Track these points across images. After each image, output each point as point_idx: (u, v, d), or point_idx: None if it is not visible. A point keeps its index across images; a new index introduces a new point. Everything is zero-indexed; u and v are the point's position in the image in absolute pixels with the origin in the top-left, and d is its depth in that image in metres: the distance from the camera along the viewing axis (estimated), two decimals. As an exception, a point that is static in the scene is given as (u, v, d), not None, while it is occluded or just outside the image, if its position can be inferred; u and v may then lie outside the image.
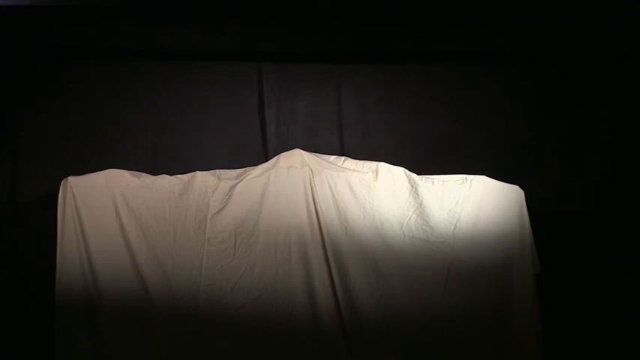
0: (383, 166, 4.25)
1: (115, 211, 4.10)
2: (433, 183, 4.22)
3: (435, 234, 4.15)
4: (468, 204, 4.19)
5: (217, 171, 4.28)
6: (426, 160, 4.63)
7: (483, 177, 4.26)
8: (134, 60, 4.74)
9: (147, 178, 4.21)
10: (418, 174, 4.26)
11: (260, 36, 4.66)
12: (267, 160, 4.48)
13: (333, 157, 4.38)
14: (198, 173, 4.22)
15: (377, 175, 4.22)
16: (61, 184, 4.10)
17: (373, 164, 4.28)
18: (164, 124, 4.71)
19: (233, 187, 4.16)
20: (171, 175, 4.23)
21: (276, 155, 4.35)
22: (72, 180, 4.11)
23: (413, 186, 4.20)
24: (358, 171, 4.25)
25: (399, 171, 4.25)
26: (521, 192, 4.24)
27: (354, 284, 4.08)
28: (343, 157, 4.38)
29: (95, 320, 4.01)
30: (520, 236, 4.17)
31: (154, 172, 4.28)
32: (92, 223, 4.07)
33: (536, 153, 4.76)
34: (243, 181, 4.17)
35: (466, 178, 4.24)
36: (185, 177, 4.21)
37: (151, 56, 4.74)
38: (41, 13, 4.28)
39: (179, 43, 4.68)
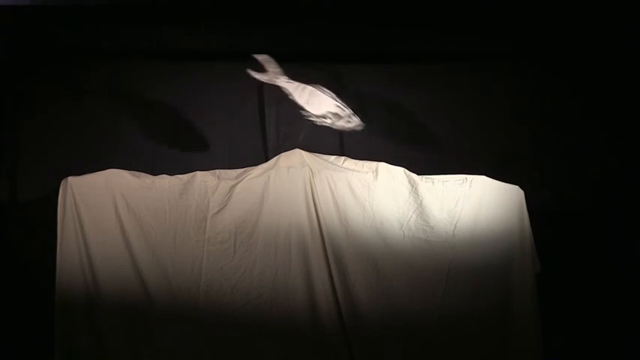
0: (383, 166, 4.25)
1: (115, 211, 4.10)
2: (433, 183, 4.22)
3: (435, 234, 4.15)
4: (468, 204, 4.19)
5: (217, 171, 4.28)
6: (426, 160, 4.62)
7: (483, 177, 4.26)
8: (134, 60, 4.74)
9: (147, 178, 4.20)
10: (418, 174, 4.25)
11: (260, 36, 4.66)
12: (267, 160, 4.47)
13: (333, 157, 4.37)
14: (198, 173, 4.22)
15: (377, 175, 4.22)
16: (61, 184, 4.10)
17: (373, 164, 4.28)
18: (164, 124, 4.71)
19: (233, 187, 4.16)
20: (171, 175, 4.23)
21: (276, 155, 4.35)
22: (72, 180, 4.11)
23: (413, 186, 4.20)
24: (358, 171, 4.25)
25: (399, 171, 4.25)
26: (521, 192, 4.23)
27: (354, 284, 4.08)
28: (343, 157, 4.37)
29: (95, 320, 4.01)
30: (520, 236, 4.17)
31: (154, 172, 4.28)
32: (92, 223, 4.07)
33: (537, 153, 4.76)
34: (243, 181, 4.17)
35: (466, 178, 4.24)
36: (185, 177, 4.21)
37: (151, 56, 4.74)
38: (41, 13, 4.28)
39: (179, 43, 4.68)
